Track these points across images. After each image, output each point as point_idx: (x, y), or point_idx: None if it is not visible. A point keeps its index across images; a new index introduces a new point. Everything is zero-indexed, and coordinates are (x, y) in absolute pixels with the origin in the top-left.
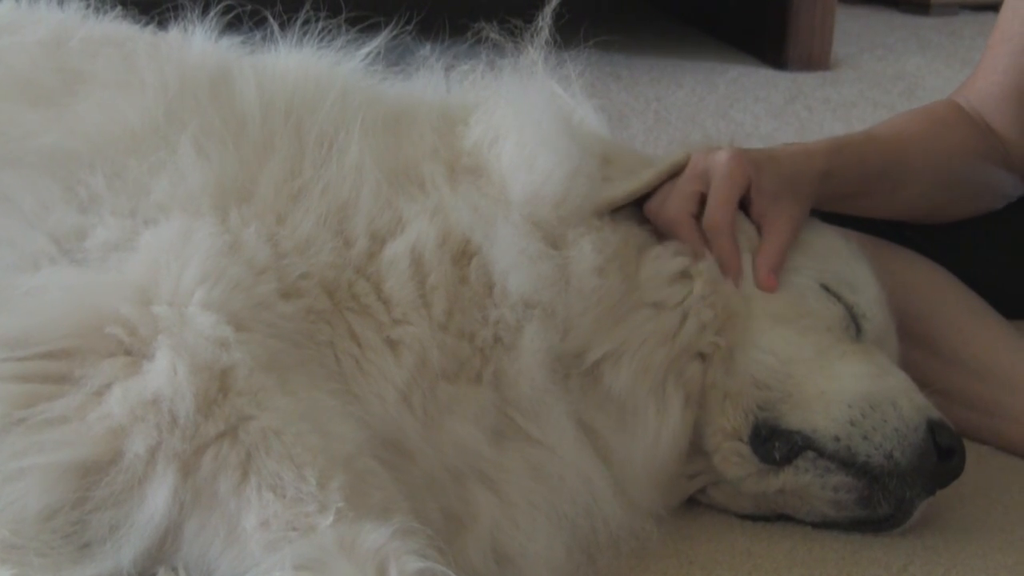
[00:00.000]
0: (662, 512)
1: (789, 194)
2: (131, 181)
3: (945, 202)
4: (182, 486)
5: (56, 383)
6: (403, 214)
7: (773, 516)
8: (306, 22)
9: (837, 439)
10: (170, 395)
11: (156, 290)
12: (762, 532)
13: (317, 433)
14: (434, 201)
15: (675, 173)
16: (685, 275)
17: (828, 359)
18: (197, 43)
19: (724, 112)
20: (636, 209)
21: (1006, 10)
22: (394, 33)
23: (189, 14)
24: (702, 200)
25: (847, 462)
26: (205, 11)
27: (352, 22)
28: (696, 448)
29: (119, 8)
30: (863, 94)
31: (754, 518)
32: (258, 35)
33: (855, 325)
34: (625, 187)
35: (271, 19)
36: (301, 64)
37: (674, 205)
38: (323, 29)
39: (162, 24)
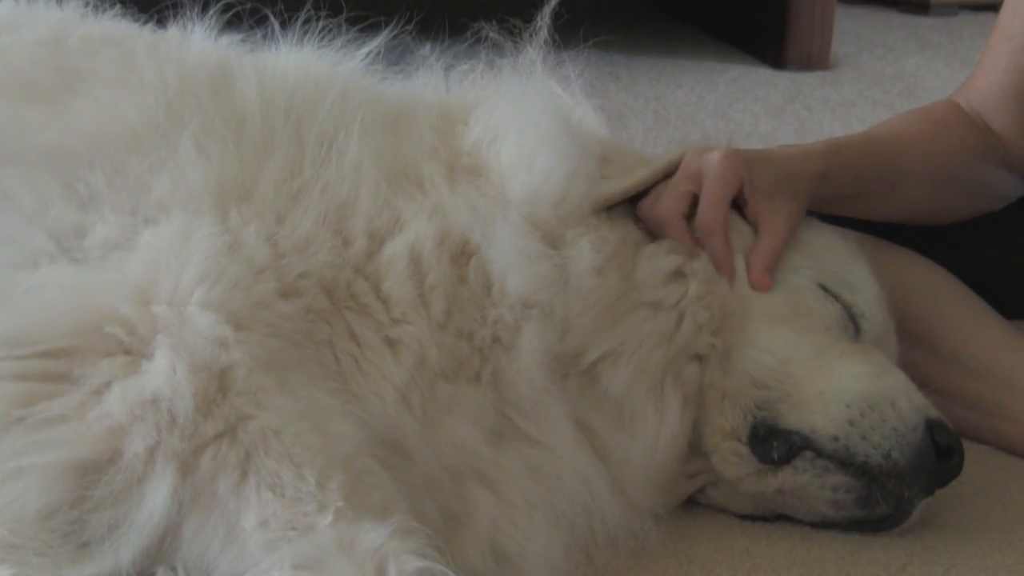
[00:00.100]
0: (661, 512)
1: (785, 193)
2: (131, 179)
3: (944, 203)
4: (181, 485)
5: (55, 382)
6: (402, 214)
7: (772, 516)
8: (306, 21)
9: (835, 439)
10: (169, 394)
11: (155, 289)
12: (761, 532)
13: (316, 432)
14: (433, 201)
15: (670, 172)
16: (680, 274)
17: (826, 359)
18: (197, 42)
19: (723, 112)
20: (632, 208)
21: (1006, 10)
22: (394, 33)
23: (188, 12)
24: (695, 200)
25: (846, 462)
26: (204, 9)
27: (352, 21)
28: (695, 448)
29: (118, 6)
30: (862, 94)
31: (753, 518)
32: (258, 34)
33: (854, 325)
34: (620, 184)
35: (272, 18)
36: (301, 63)
37: (665, 204)
38: (323, 28)
39: (161, 23)
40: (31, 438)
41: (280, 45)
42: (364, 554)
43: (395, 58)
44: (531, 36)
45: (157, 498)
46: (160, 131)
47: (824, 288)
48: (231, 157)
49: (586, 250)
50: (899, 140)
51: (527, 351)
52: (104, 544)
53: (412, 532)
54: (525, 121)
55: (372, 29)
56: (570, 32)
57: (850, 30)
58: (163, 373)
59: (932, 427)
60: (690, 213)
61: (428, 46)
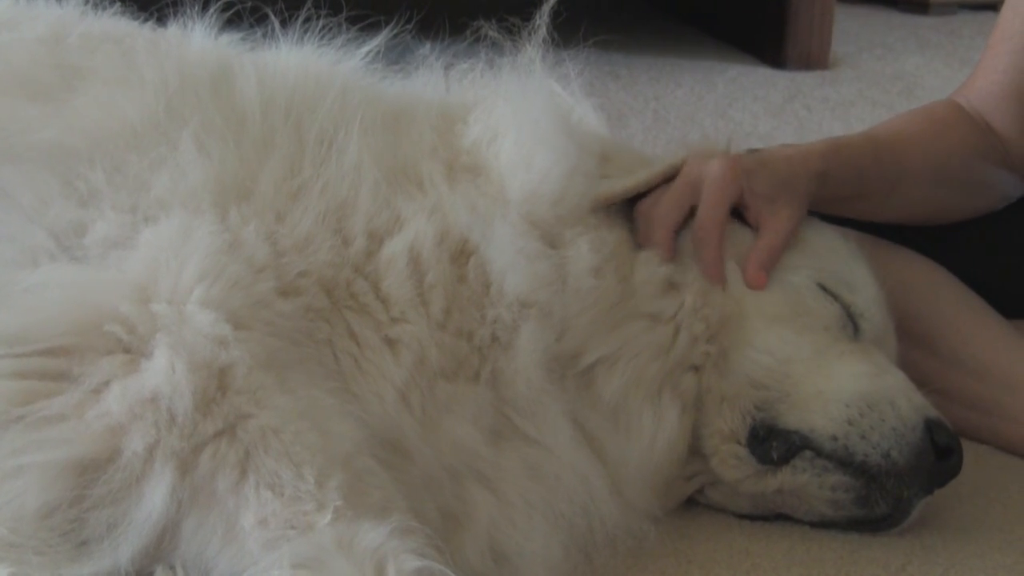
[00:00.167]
0: (659, 514)
1: (784, 196)
2: (131, 177)
3: (945, 203)
4: (180, 484)
5: (55, 380)
6: (401, 213)
7: (771, 516)
8: (307, 20)
9: (835, 438)
10: (168, 393)
11: (155, 288)
12: (760, 531)
13: (316, 432)
14: (432, 200)
15: (672, 175)
16: (674, 284)
17: (826, 358)
18: (197, 40)
19: (723, 111)
20: (631, 209)
21: (1007, 9)
22: (394, 32)
23: (188, 11)
24: (693, 210)
25: (845, 461)
26: (205, 8)
27: (352, 20)
28: (693, 450)
29: (118, 4)
30: (862, 93)
31: (752, 517)
32: (258, 32)
33: (853, 324)
34: (621, 184)
35: (272, 16)
36: (301, 62)
37: (660, 212)
38: (323, 27)
39: (161, 21)
40: (30, 436)
41: (280, 44)
42: (363, 553)
43: (395, 57)
44: (530, 35)
45: (156, 497)
46: (160, 129)
47: (823, 287)
48: (231, 155)
49: (584, 250)
50: (899, 139)
51: (525, 351)
52: (103, 543)
53: (411, 531)
54: (524, 120)
55: (372, 28)
56: (569, 31)
57: (850, 29)
58: (162, 372)
59: (931, 427)
60: (687, 221)
61: (428, 45)
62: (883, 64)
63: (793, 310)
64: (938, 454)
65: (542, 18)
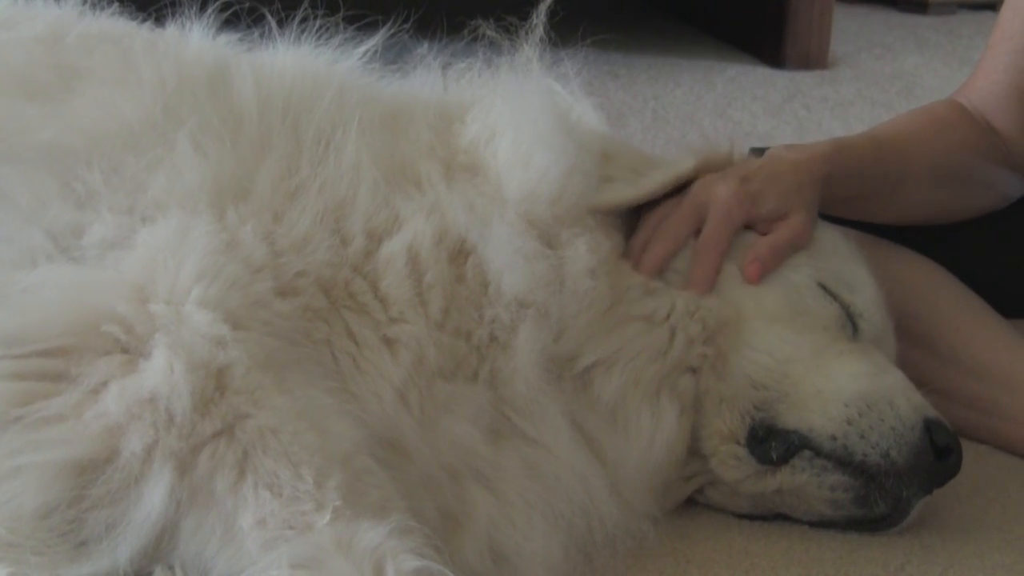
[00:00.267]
0: (658, 514)
1: (793, 208)
2: (128, 178)
3: (946, 202)
4: (179, 484)
5: (53, 381)
6: (400, 212)
7: (770, 515)
8: (304, 20)
9: (834, 438)
10: (167, 393)
11: (153, 288)
12: (759, 531)
13: (314, 431)
14: (431, 199)
15: (679, 184)
16: (661, 287)
17: (825, 358)
18: (194, 40)
19: (722, 111)
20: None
21: (1007, 9)
22: (391, 31)
23: (186, 11)
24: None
25: (844, 461)
26: (202, 8)
27: (350, 20)
28: (692, 451)
29: (116, 4)
30: (861, 93)
31: (751, 517)
32: (256, 32)
33: (852, 324)
34: (627, 193)
35: (269, 16)
36: (299, 62)
37: (663, 232)
38: (321, 27)
39: (159, 21)
40: (28, 437)
41: (277, 44)
42: (362, 553)
43: (392, 57)
44: (528, 34)
45: (155, 497)
46: (157, 129)
47: (823, 287)
48: (228, 155)
49: (582, 251)
50: (901, 139)
51: (523, 350)
52: (102, 543)
53: (410, 531)
54: (522, 119)
55: (369, 28)
56: (568, 30)
57: (849, 29)
58: (161, 372)
59: (930, 426)
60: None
61: (425, 44)
62: (882, 64)
63: (793, 309)
64: (937, 454)
65: (540, 17)
